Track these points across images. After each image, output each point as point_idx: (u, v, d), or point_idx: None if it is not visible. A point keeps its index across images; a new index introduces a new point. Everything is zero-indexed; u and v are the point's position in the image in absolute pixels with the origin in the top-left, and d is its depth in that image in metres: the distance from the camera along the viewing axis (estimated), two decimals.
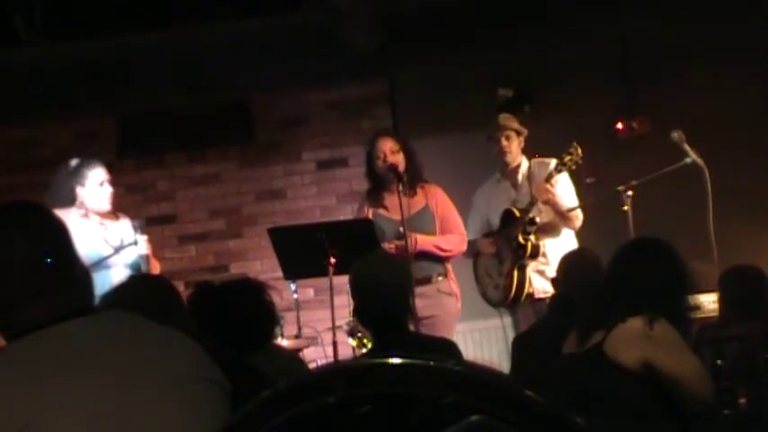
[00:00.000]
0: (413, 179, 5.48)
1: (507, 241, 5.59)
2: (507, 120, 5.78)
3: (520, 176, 5.75)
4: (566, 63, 6.77)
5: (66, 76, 6.90)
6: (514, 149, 5.75)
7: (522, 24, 6.72)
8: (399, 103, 7.18)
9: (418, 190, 5.52)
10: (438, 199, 5.55)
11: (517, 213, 5.55)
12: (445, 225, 5.52)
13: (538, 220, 5.50)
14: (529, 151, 5.83)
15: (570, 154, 5.39)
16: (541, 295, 5.51)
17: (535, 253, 5.52)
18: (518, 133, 5.76)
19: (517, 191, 5.73)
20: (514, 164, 5.76)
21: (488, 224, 5.81)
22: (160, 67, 6.90)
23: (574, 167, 5.43)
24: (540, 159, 5.76)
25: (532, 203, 5.49)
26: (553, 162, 5.56)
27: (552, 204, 5.51)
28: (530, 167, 5.75)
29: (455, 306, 5.48)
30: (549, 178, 5.48)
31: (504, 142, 5.72)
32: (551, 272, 5.25)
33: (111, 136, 7.35)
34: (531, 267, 5.57)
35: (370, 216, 5.47)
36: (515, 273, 5.54)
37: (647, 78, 6.72)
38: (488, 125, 5.82)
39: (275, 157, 7.30)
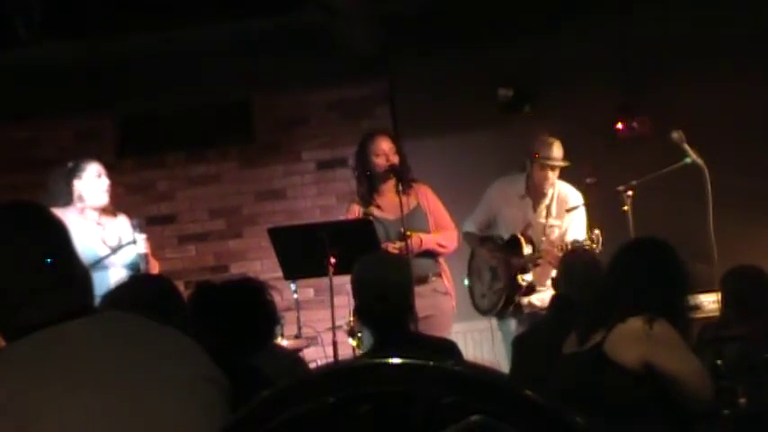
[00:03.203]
0: (407, 179, 5.49)
1: (506, 266, 5.64)
2: (560, 150, 5.62)
3: (543, 204, 5.72)
4: (566, 63, 6.77)
5: (66, 76, 6.90)
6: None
7: (522, 24, 6.72)
8: (399, 103, 7.18)
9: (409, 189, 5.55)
10: (428, 197, 5.59)
11: (525, 249, 5.57)
12: (438, 222, 5.56)
13: (534, 283, 5.59)
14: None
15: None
16: (528, 310, 5.63)
17: (529, 292, 5.61)
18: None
19: (535, 214, 5.72)
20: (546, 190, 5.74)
21: (494, 224, 5.83)
22: (160, 67, 6.90)
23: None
24: (562, 190, 5.73)
25: (535, 261, 5.55)
26: (574, 195, 5.68)
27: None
28: (552, 197, 5.72)
29: (450, 305, 5.53)
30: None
31: (550, 175, 5.64)
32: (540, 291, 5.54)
33: (111, 136, 7.35)
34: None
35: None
36: (504, 295, 5.64)
37: (647, 78, 6.71)
38: (537, 144, 5.65)
39: (275, 157, 7.29)
